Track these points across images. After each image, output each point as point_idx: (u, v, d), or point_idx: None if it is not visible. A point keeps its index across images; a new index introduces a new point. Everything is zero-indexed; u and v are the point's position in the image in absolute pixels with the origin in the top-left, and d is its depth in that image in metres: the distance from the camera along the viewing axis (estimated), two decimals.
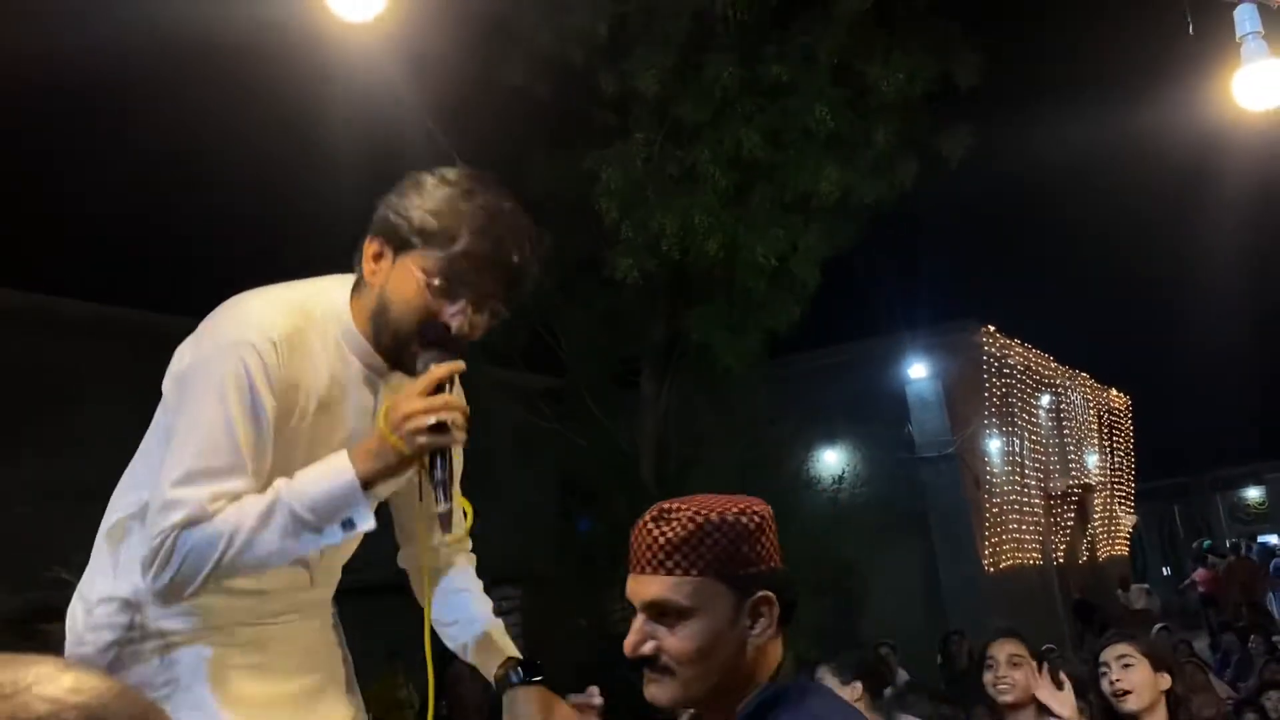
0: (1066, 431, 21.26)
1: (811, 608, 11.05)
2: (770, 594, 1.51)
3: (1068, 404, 21.60)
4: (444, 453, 1.72)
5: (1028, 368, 19.42)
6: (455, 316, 1.76)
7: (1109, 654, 3.30)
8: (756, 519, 1.59)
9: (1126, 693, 3.19)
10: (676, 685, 1.47)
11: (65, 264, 10.93)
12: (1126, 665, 3.24)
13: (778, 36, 9.47)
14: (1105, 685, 3.27)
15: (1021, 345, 19.13)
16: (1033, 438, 19.18)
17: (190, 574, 1.65)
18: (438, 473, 1.71)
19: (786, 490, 12.08)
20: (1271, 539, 25.23)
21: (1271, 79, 3.80)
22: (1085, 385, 22.73)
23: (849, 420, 15.87)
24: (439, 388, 1.70)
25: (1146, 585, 20.85)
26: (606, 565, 11.28)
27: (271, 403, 1.72)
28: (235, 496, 1.67)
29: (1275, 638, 11.38)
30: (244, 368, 1.70)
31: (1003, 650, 3.66)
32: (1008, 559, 16.86)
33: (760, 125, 9.27)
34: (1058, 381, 21.15)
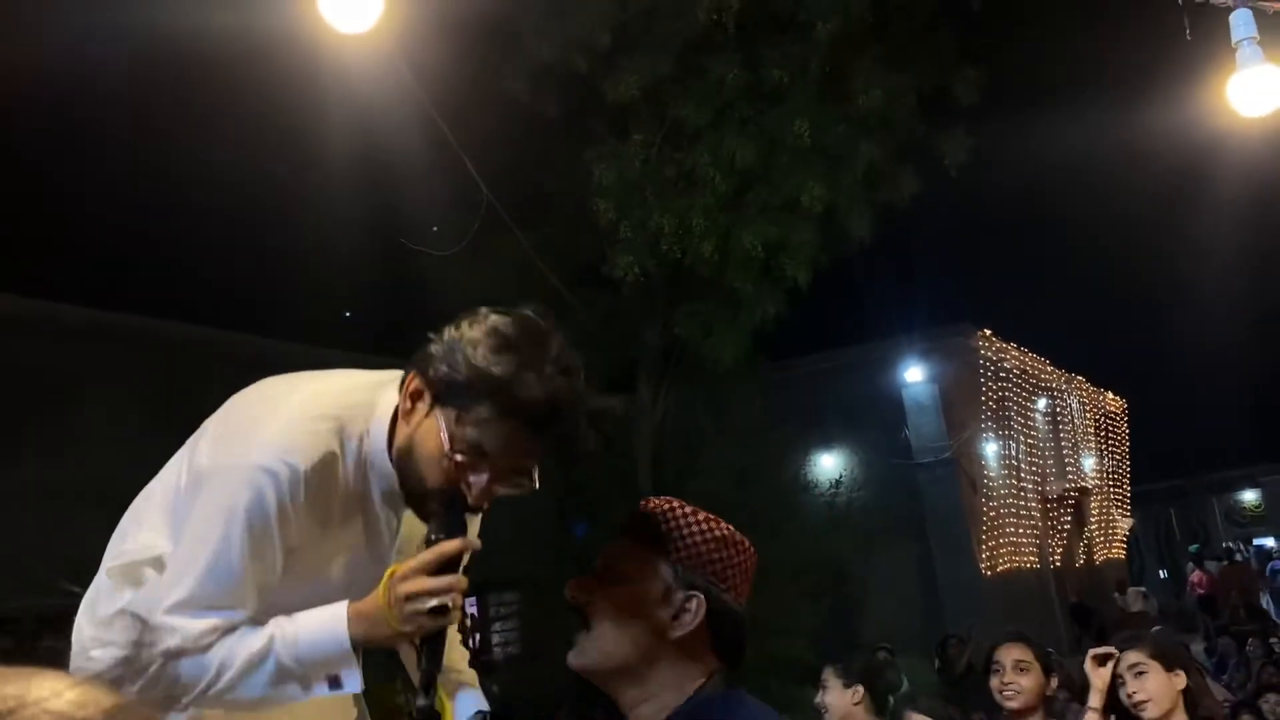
0: (1063, 435, 21.28)
1: (809, 611, 11.07)
2: (702, 599, 1.49)
3: (1064, 407, 21.62)
4: (437, 641, 1.64)
5: (1024, 371, 19.44)
6: (474, 488, 1.66)
7: (1121, 665, 3.21)
8: (746, 549, 1.58)
9: (1144, 702, 3.09)
10: (592, 647, 1.50)
11: (64, 270, 10.93)
12: (1140, 673, 3.15)
13: (776, 41, 9.49)
14: (1123, 697, 3.18)
15: (1018, 349, 19.15)
16: (1029, 441, 19.19)
17: (169, 697, 1.61)
18: (423, 662, 1.63)
19: (784, 495, 12.09)
20: (1268, 541, 25.25)
21: (1266, 84, 3.81)
22: (1081, 389, 22.75)
23: (846, 425, 15.88)
24: (448, 563, 1.62)
25: (1143, 588, 20.84)
26: None
27: (283, 534, 1.65)
28: (230, 629, 1.62)
29: (1272, 640, 11.40)
30: (262, 499, 1.61)
31: (1009, 655, 3.61)
32: (1005, 562, 16.87)
33: (754, 133, 9.29)
34: (1054, 385, 21.18)
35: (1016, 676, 3.56)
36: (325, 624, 1.63)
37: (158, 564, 1.72)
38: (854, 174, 9.58)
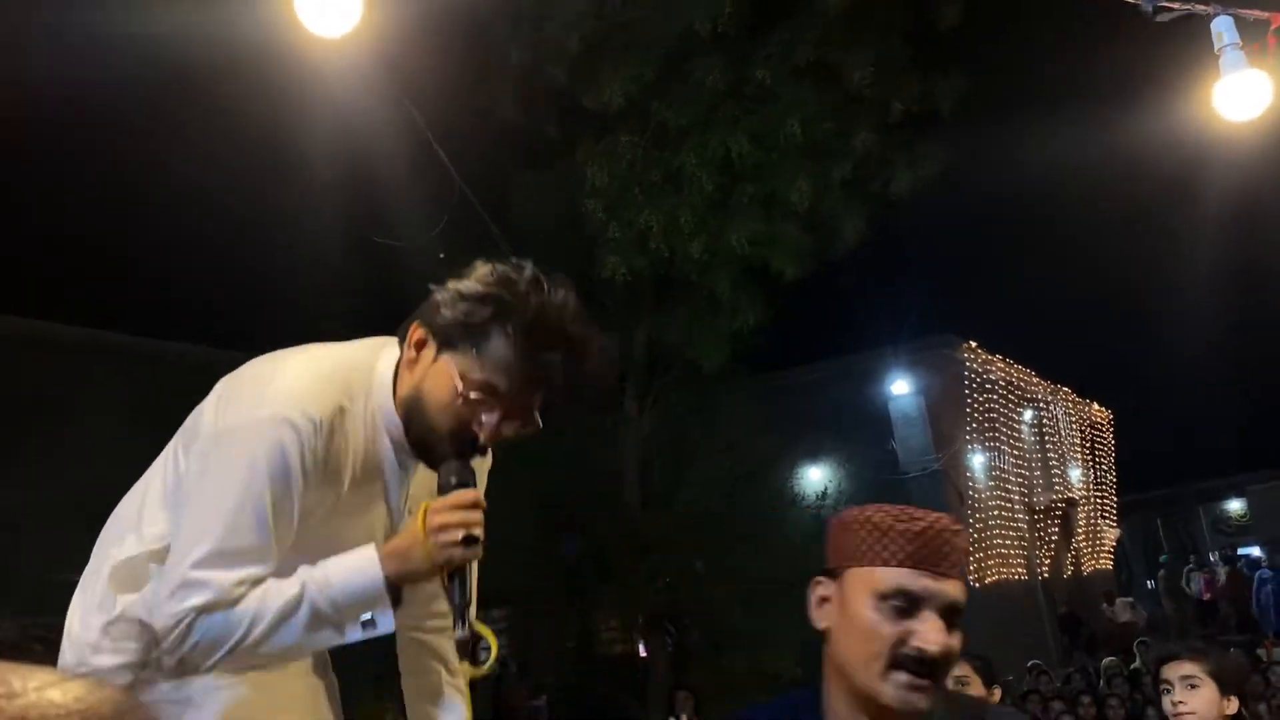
0: (1049, 446, 21.32)
1: (796, 624, 11.02)
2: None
3: (1050, 419, 21.67)
4: (464, 575, 1.68)
5: (1010, 383, 19.48)
6: (484, 429, 1.72)
7: (1172, 671, 3.04)
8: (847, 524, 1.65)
9: (1190, 714, 2.94)
10: (934, 690, 1.46)
11: (57, 289, 10.88)
12: (1192, 686, 2.99)
13: (761, 40, 9.49)
14: (1166, 705, 3.02)
15: (1003, 360, 19.19)
16: (1016, 453, 19.22)
17: (204, 656, 1.60)
18: (456, 596, 1.68)
19: (771, 507, 12.05)
20: (1254, 551, 25.32)
21: (1251, 89, 3.83)
22: (1067, 399, 22.82)
23: (832, 437, 15.87)
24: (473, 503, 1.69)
25: (1131, 598, 20.88)
26: (592, 586, 11.23)
27: (303, 486, 1.66)
28: (258, 581, 1.62)
29: (1259, 650, 11.41)
30: (282, 449, 1.63)
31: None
32: (993, 574, 16.87)
33: (747, 128, 9.28)
34: (1040, 396, 21.23)
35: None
36: (358, 565, 1.65)
37: (164, 557, 1.70)
38: (844, 169, 9.57)
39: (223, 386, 1.78)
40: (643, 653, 12.44)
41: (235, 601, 1.59)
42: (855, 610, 1.48)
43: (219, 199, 10.09)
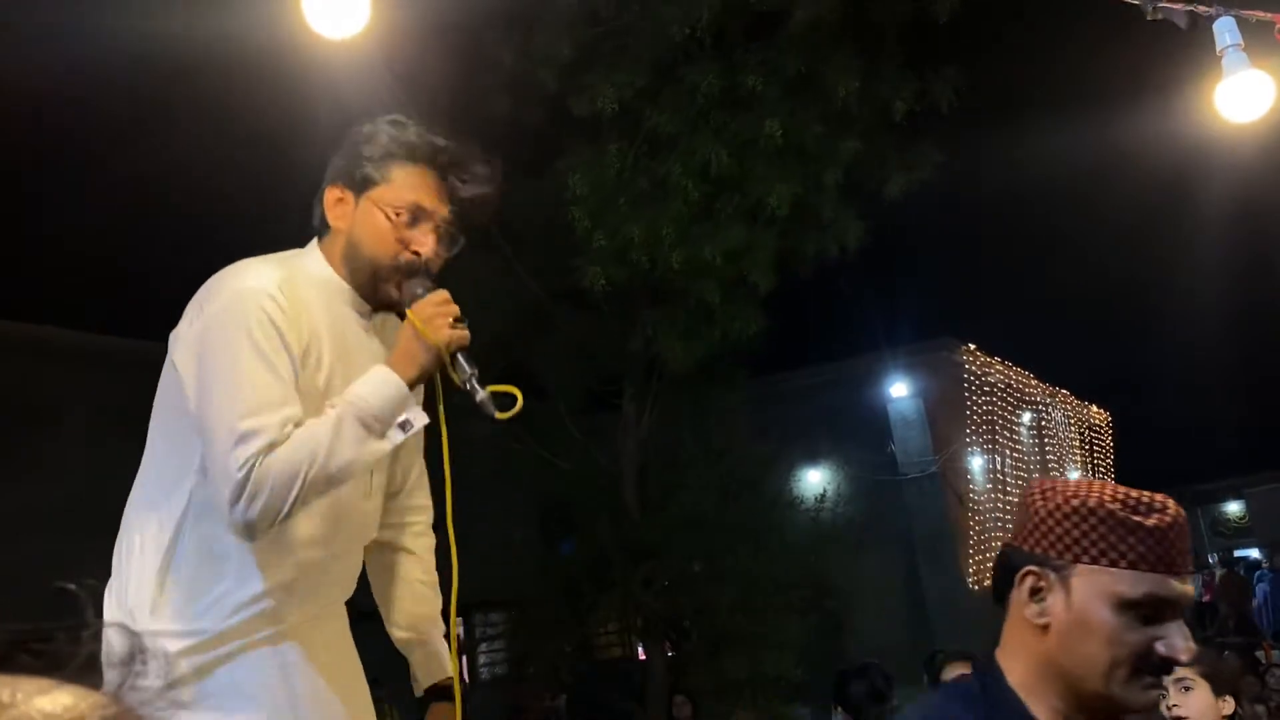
0: (1048, 448, 21.34)
1: (795, 627, 11.01)
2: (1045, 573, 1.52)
3: (1049, 421, 21.68)
4: (465, 351, 1.90)
5: (1008, 385, 19.49)
6: (424, 245, 1.93)
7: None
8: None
9: (1185, 716, 2.96)
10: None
11: (45, 291, 10.86)
12: (1186, 689, 3.03)
13: (751, 48, 9.47)
14: (1162, 709, 3.09)
15: (1002, 363, 19.20)
16: (1015, 455, 19.22)
17: (281, 497, 1.70)
18: (465, 368, 1.89)
19: (769, 509, 12.04)
20: (1252, 553, 25.32)
21: (1253, 90, 3.82)
22: (1066, 402, 22.83)
23: (831, 440, 15.88)
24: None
25: None
26: (590, 589, 11.20)
27: (294, 341, 1.81)
28: (299, 422, 1.76)
29: (1257, 652, 11.40)
30: (264, 312, 1.77)
31: (957, 673, 3.48)
32: (991, 576, 16.84)
33: (729, 138, 9.26)
34: (1038, 398, 21.24)
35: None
36: (380, 379, 1.82)
37: (192, 510, 1.82)
38: (834, 174, 9.54)
39: (189, 309, 1.88)
40: (641, 656, 12.44)
41: (288, 438, 1.72)
42: (1092, 614, 1.38)
43: (217, 202, 10.08)
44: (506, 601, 12.89)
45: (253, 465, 1.68)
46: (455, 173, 1.98)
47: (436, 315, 1.87)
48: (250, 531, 1.73)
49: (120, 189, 10.36)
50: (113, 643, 0.64)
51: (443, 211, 1.96)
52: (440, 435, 2.05)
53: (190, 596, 1.79)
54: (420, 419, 1.87)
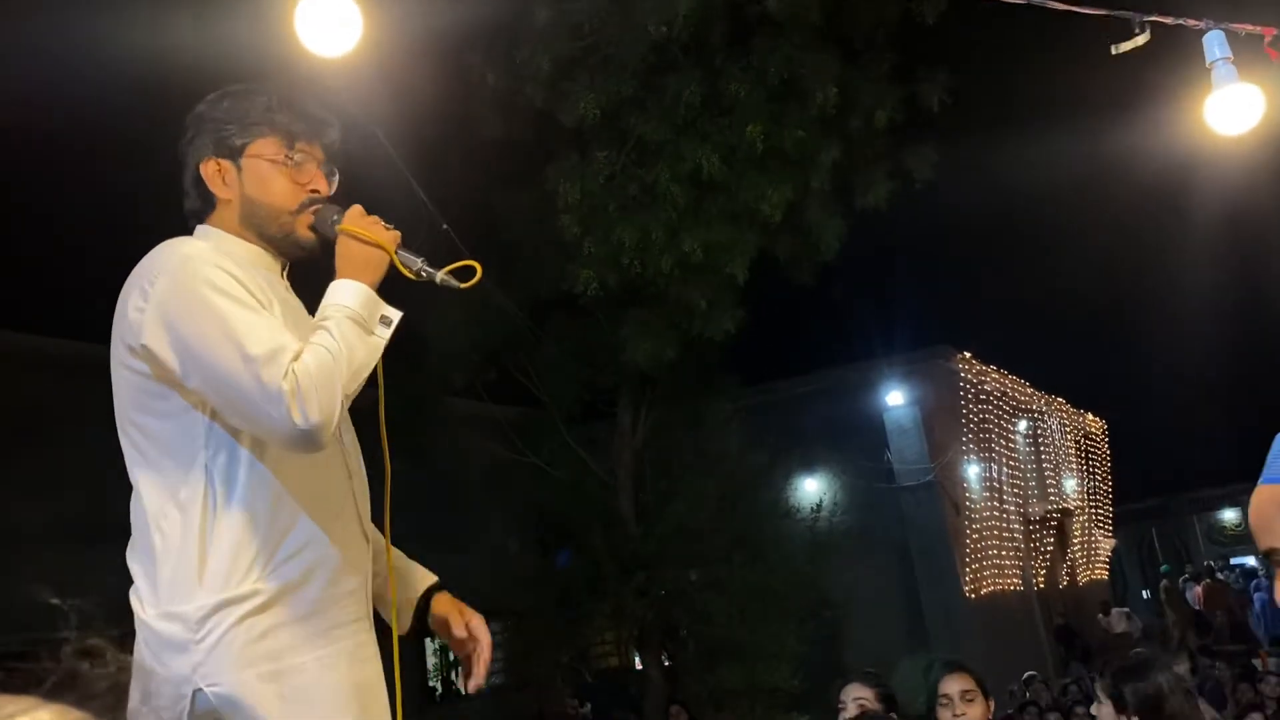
0: (1044, 456, 21.34)
1: (792, 637, 11.01)
2: None
3: (1045, 429, 21.69)
4: (403, 249, 1.96)
5: (1004, 393, 19.51)
6: (318, 181, 2.01)
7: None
8: None
9: None
10: None
11: (49, 303, 10.87)
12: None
13: (734, 54, 9.49)
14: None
15: (998, 371, 19.22)
16: (1011, 463, 19.23)
17: (330, 391, 1.74)
18: (413, 260, 1.95)
19: (766, 519, 12.05)
20: (1248, 560, 25.33)
21: (1242, 103, 3.85)
22: (1062, 410, 22.84)
23: (827, 448, 15.87)
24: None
25: (1127, 609, 20.89)
26: (586, 599, 11.20)
27: (251, 289, 1.83)
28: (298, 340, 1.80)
29: (1254, 660, 11.41)
30: (215, 268, 1.80)
31: (954, 685, 3.50)
32: (988, 585, 16.86)
33: (717, 143, 9.27)
34: (1034, 406, 21.25)
35: (966, 707, 3.45)
36: (346, 289, 1.89)
37: (213, 487, 1.83)
38: (819, 180, 9.54)
39: (128, 297, 1.86)
40: (638, 666, 12.43)
41: (308, 347, 1.77)
42: None
43: None
44: (502, 611, 12.89)
45: (292, 372, 1.71)
46: (317, 109, 2.06)
47: (366, 220, 1.94)
48: (317, 441, 1.74)
49: (118, 201, 10.38)
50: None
51: (317, 153, 2.03)
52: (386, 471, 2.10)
53: (235, 559, 1.79)
54: (397, 314, 1.92)
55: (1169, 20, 4.07)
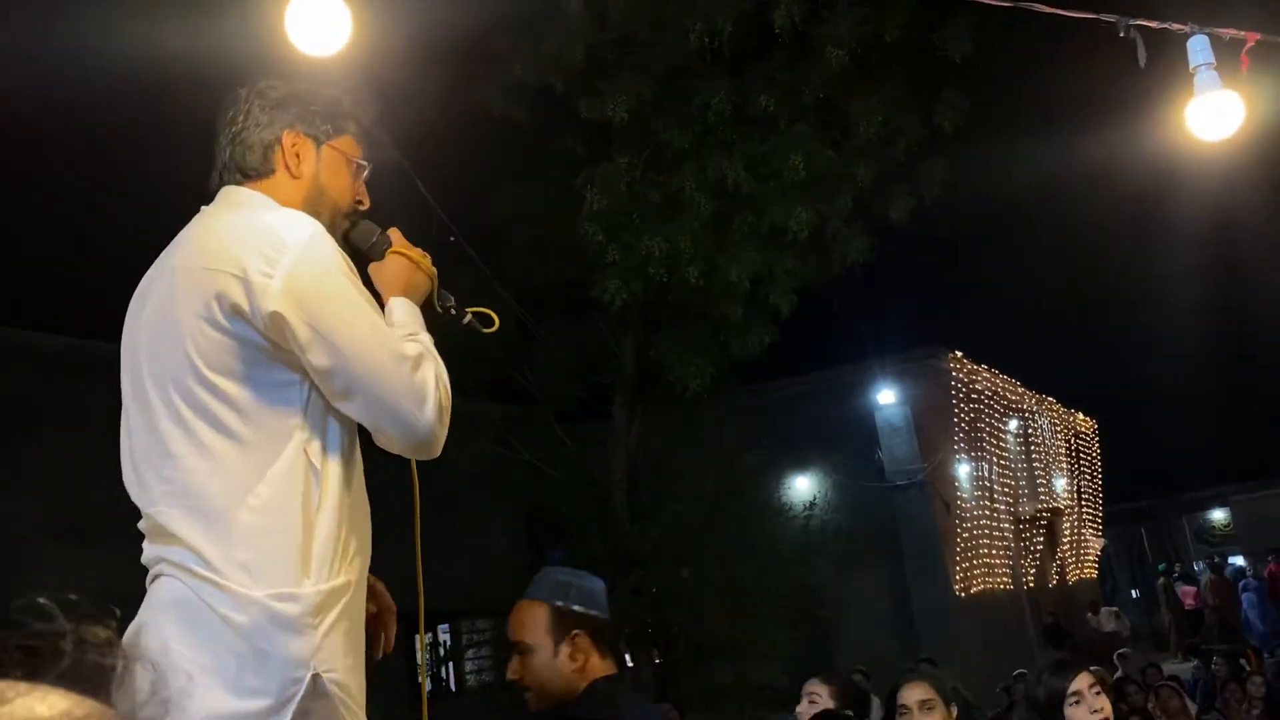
0: (1035, 456, 21.40)
1: (783, 635, 11.05)
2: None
3: (1035, 428, 21.76)
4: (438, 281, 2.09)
5: (995, 393, 19.56)
6: (366, 196, 2.10)
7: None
8: None
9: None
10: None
11: (33, 296, 10.85)
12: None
13: (761, 69, 9.54)
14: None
15: (989, 371, 19.27)
16: (1001, 462, 19.29)
17: (449, 396, 1.89)
18: (447, 295, 2.12)
19: (758, 518, 12.08)
20: (1237, 561, 25.44)
21: (1224, 109, 3.88)
22: (1052, 410, 22.91)
23: (819, 447, 15.91)
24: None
25: (1115, 608, 20.96)
26: None
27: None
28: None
29: (1241, 660, 11.46)
30: (340, 255, 1.87)
31: (912, 695, 3.44)
32: (979, 584, 16.92)
33: (743, 154, 9.32)
34: (1025, 406, 21.32)
35: (924, 716, 3.40)
36: (404, 307, 2.01)
37: (303, 470, 1.84)
38: (846, 199, 9.65)
39: (222, 257, 1.80)
40: (629, 664, 12.45)
41: (408, 339, 1.89)
42: None
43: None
44: (494, 609, 12.89)
45: (440, 380, 1.86)
46: (374, 135, 2.14)
47: (418, 251, 2.06)
48: (438, 444, 1.87)
49: (104, 197, 10.38)
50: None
51: (366, 171, 2.11)
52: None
53: (329, 548, 1.79)
54: (429, 338, 1.99)
55: (1154, 24, 4.11)
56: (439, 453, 1.87)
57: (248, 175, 2.00)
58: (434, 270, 2.06)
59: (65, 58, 7.56)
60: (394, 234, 2.07)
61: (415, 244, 2.11)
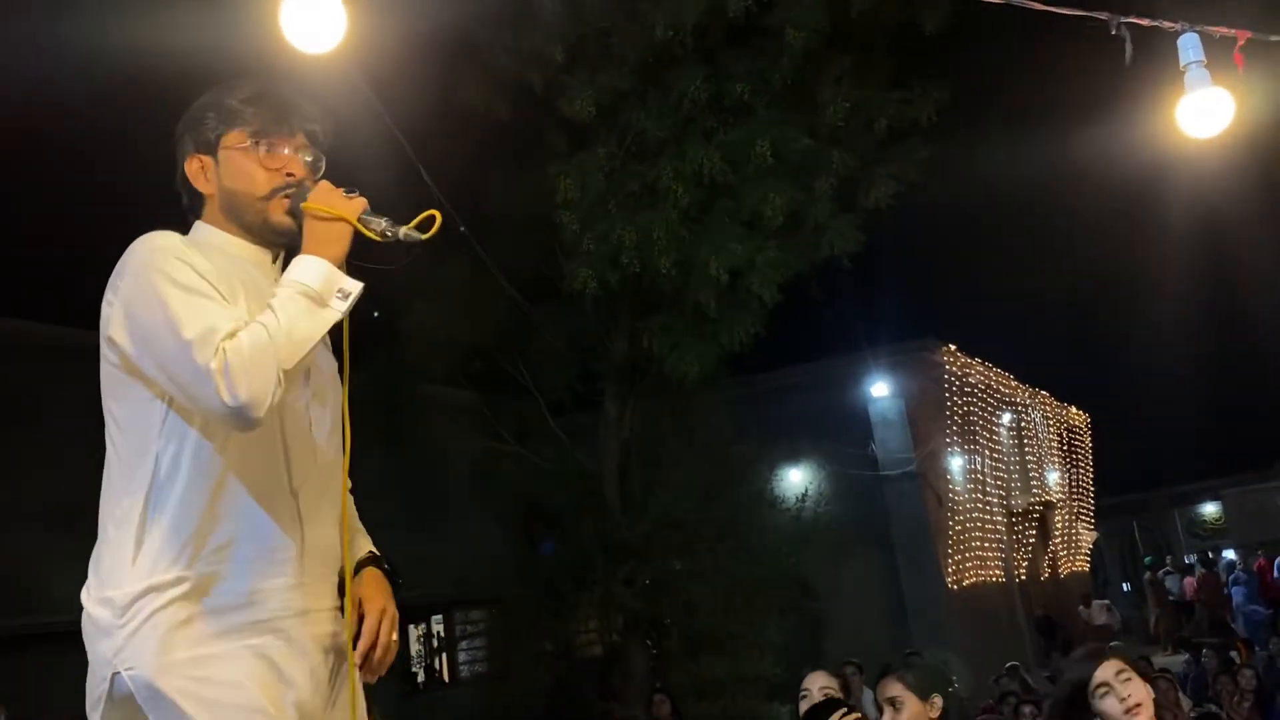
0: (1027, 449, 21.46)
1: (775, 626, 11.10)
2: None
3: (1028, 422, 21.81)
4: (369, 214, 1.95)
5: (988, 386, 19.61)
6: (293, 164, 2.03)
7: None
8: None
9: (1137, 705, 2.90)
10: None
11: (28, 286, 10.85)
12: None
13: (738, 54, 9.54)
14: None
15: (982, 364, 19.31)
16: (994, 455, 19.34)
17: (264, 366, 1.74)
18: (377, 222, 1.94)
19: (750, 509, 12.10)
20: (1228, 554, 25.52)
21: (1214, 106, 3.91)
22: (1045, 403, 22.96)
23: (812, 439, 15.94)
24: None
25: (1107, 601, 21.04)
26: (571, 588, 11.24)
27: (207, 273, 1.86)
28: (241, 319, 1.80)
29: (1232, 652, 11.53)
30: (172, 256, 1.84)
31: (883, 693, 3.42)
32: (970, 576, 16.98)
33: (723, 143, 9.32)
34: (1018, 399, 21.37)
35: (893, 714, 3.33)
36: (306, 264, 1.88)
37: (157, 486, 1.84)
38: (825, 185, 9.61)
39: (106, 295, 1.90)
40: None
41: (244, 325, 1.77)
42: None
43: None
44: (487, 600, 12.92)
45: (221, 349, 1.72)
46: (288, 93, 2.09)
47: (330, 194, 1.94)
48: (248, 418, 1.73)
49: (99, 190, 10.37)
50: None
51: (297, 137, 2.06)
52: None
53: (166, 547, 1.80)
54: (356, 288, 1.90)
55: (1145, 22, 4.13)
56: (256, 424, 1.75)
57: (195, 214, 2.09)
58: (355, 204, 1.94)
59: (61, 54, 7.56)
60: (317, 189, 1.97)
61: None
